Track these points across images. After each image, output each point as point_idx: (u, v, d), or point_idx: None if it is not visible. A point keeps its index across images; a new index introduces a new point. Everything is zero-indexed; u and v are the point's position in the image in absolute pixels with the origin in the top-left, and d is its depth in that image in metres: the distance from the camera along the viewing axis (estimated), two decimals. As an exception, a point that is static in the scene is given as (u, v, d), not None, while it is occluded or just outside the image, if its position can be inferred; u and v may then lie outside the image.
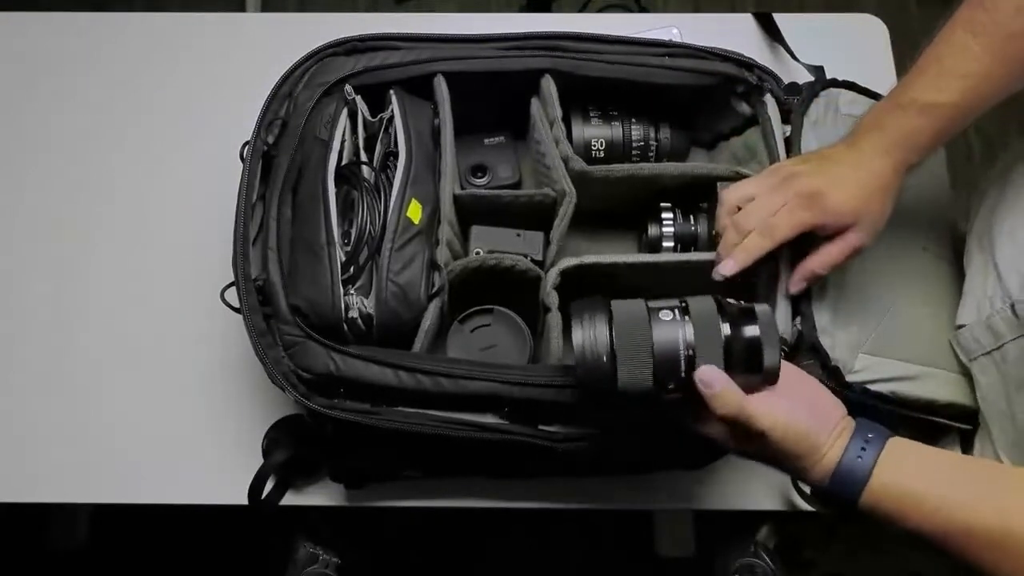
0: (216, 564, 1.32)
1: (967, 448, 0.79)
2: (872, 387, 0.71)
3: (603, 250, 0.81)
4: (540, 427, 0.70)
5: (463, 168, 0.87)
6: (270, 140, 0.74)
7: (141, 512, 0.86)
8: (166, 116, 0.97)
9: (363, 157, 0.78)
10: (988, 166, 0.78)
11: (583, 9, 1.66)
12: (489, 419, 0.70)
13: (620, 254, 0.75)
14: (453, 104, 0.78)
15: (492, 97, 0.82)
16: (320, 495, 0.83)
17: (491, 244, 0.79)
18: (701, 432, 0.60)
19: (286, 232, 0.71)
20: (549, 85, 0.79)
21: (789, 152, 0.77)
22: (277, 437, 0.82)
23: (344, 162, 0.75)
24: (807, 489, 0.67)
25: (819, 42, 0.94)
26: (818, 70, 0.88)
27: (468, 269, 0.76)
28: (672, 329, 0.58)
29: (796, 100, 0.79)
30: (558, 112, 0.79)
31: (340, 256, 0.70)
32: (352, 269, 0.71)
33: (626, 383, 0.58)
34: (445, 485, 0.83)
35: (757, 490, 0.83)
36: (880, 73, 0.96)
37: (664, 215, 0.81)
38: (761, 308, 0.59)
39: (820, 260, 0.67)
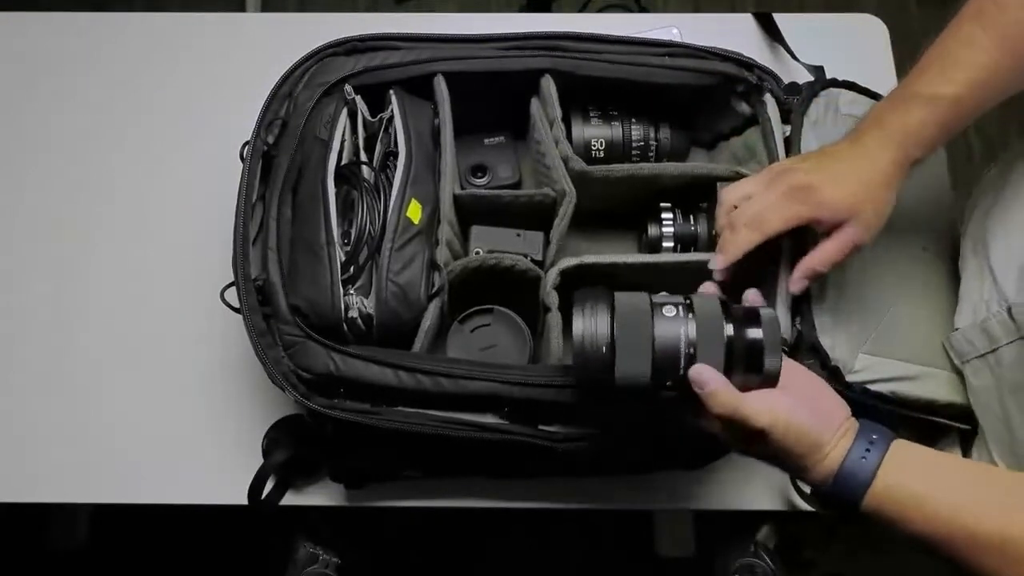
0: (216, 564, 1.32)
1: (967, 448, 0.79)
2: (872, 387, 0.71)
3: (603, 250, 0.81)
4: (540, 427, 0.70)
5: (463, 168, 0.87)
6: (270, 140, 0.74)
7: (141, 512, 0.86)
8: (166, 116, 0.97)
9: (363, 157, 0.78)
10: (987, 167, 0.78)
11: (583, 9, 1.66)
12: (489, 419, 0.70)
13: (620, 254, 0.75)
14: (453, 104, 0.78)
15: (492, 97, 0.82)
16: (320, 495, 0.83)
17: (491, 244, 0.79)
18: (700, 428, 0.60)
19: (286, 232, 0.71)
20: (549, 85, 0.79)
21: (789, 152, 0.77)
22: (277, 437, 0.82)
23: (344, 162, 0.75)
24: (807, 489, 0.67)
25: (819, 42, 0.94)
26: (818, 70, 0.88)
27: (468, 269, 0.76)
28: (675, 325, 0.57)
29: (796, 100, 0.79)
30: (558, 112, 0.79)
31: (340, 256, 0.70)
32: (352, 269, 0.71)
33: (624, 375, 0.57)
34: (445, 485, 0.83)
35: (757, 490, 0.83)
36: (880, 73, 0.96)
37: (664, 215, 0.81)
38: (766, 311, 0.58)
39: (819, 257, 0.66)
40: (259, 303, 0.69)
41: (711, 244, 0.78)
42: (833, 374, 0.70)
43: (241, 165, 0.73)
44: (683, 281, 0.68)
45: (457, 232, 0.79)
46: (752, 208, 0.66)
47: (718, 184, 0.78)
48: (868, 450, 0.56)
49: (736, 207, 0.68)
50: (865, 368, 0.71)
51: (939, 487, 0.55)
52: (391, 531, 1.33)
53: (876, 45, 0.99)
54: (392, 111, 0.77)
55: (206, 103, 0.96)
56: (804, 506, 0.79)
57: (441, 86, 0.78)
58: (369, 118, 0.79)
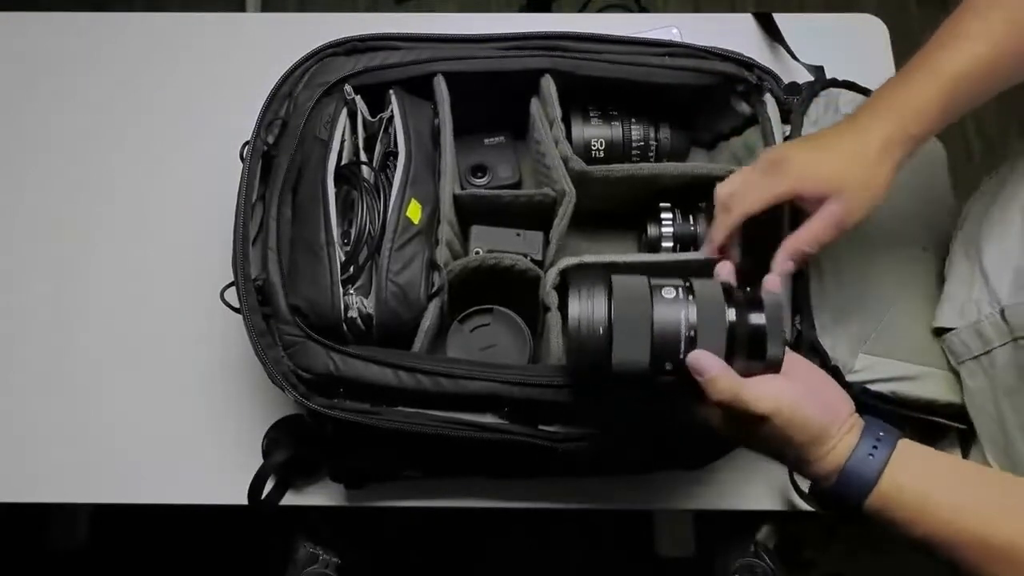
0: (216, 564, 1.32)
1: (966, 448, 0.79)
2: (872, 387, 0.72)
3: (603, 250, 0.81)
4: (540, 427, 0.70)
5: (463, 168, 0.87)
6: (270, 140, 0.74)
7: (141, 512, 0.86)
8: (166, 116, 0.97)
9: (363, 157, 0.78)
10: (988, 169, 0.78)
11: (583, 9, 1.66)
12: (489, 419, 0.70)
13: (619, 254, 0.75)
14: (453, 104, 0.78)
15: (492, 97, 0.82)
16: (320, 495, 0.83)
17: (491, 244, 0.79)
18: (696, 419, 0.58)
19: (286, 232, 0.71)
20: (549, 85, 0.79)
21: (789, 152, 0.77)
22: (277, 437, 0.82)
23: (344, 162, 0.75)
24: (806, 488, 0.67)
25: (819, 42, 0.94)
26: (818, 70, 0.88)
27: (468, 269, 0.76)
28: (675, 308, 0.55)
29: (796, 100, 0.79)
30: (558, 112, 0.79)
31: (340, 256, 0.70)
32: (352, 269, 0.71)
33: (621, 360, 0.55)
34: (445, 485, 0.83)
35: (757, 490, 0.83)
36: (880, 73, 0.93)
37: (664, 215, 0.81)
38: (769, 298, 0.56)
39: (804, 236, 0.62)
40: (259, 303, 0.69)
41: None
42: (833, 374, 0.70)
43: (241, 165, 0.73)
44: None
45: (457, 232, 0.79)
46: (726, 188, 0.65)
47: (718, 184, 0.78)
48: (875, 447, 0.54)
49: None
50: (865, 368, 0.71)
51: (950, 490, 0.54)
52: (391, 531, 1.33)
53: (876, 45, 0.99)
54: (392, 111, 0.77)
55: (206, 103, 0.96)
56: (804, 506, 0.79)
57: (441, 86, 0.78)
58: (369, 118, 0.79)
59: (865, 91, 0.82)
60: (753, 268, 0.65)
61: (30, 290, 0.90)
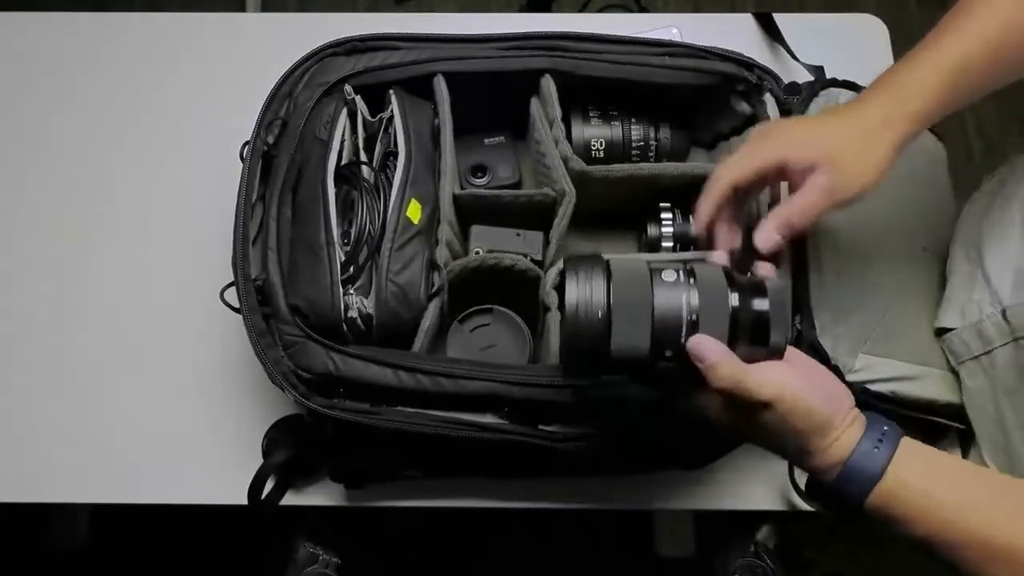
0: (216, 564, 1.32)
1: (966, 448, 0.79)
2: (872, 387, 0.71)
3: (603, 250, 0.80)
4: (540, 427, 0.70)
5: (463, 168, 0.87)
6: (270, 140, 0.74)
7: (141, 512, 0.86)
8: (166, 116, 0.97)
9: (363, 157, 0.78)
10: (988, 169, 0.78)
11: (583, 9, 1.66)
12: (489, 419, 0.70)
13: (619, 254, 0.75)
14: (453, 104, 0.78)
15: (492, 97, 0.82)
16: (320, 495, 0.83)
17: (491, 244, 0.79)
18: (694, 409, 0.57)
19: (286, 232, 0.71)
20: (549, 85, 0.79)
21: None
22: (277, 437, 0.82)
23: (344, 162, 0.75)
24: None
25: (819, 42, 0.94)
26: (818, 70, 0.88)
27: (468, 269, 0.76)
28: (676, 291, 0.54)
29: (796, 100, 0.79)
30: (558, 112, 0.79)
31: (340, 256, 0.70)
32: (352, 269, 0.71)
33: (620, 345, 0.54)
34: (445, 485, 0.83)
35: (757, 490, 0.83)
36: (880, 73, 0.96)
37: (663, 215, 0.81)
38: (772, 283, 0.55)
39: (792, 207, 0.60)
40: (259, 303, 0.69)
41: (710, 244, 0.78)
42: (833, 373, 0.70)
43: (241, 165, 0.73)
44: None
45: (457, 232, 0.79)
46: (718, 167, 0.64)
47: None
48: (880, 442, 0.53)
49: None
50: (865, 368, 0.71)
51: (953, 489, 0.53)
52: (391, 531, 1.33)
53: (876, 45, 0.99)
54: (392, 111, 0.77)
55: (206, 103, 0.96)
56: (804, 506, 0.79)
57: (441, 86, 0.78)
58: (369, 118, 0.79)
59: (865, 91, 0.82)
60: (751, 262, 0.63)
61: (30, 290, 0.90)
